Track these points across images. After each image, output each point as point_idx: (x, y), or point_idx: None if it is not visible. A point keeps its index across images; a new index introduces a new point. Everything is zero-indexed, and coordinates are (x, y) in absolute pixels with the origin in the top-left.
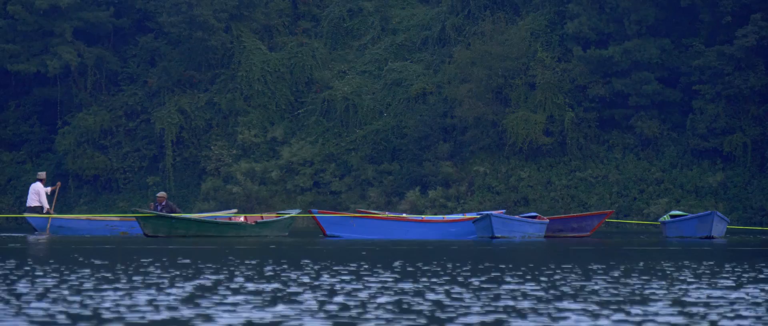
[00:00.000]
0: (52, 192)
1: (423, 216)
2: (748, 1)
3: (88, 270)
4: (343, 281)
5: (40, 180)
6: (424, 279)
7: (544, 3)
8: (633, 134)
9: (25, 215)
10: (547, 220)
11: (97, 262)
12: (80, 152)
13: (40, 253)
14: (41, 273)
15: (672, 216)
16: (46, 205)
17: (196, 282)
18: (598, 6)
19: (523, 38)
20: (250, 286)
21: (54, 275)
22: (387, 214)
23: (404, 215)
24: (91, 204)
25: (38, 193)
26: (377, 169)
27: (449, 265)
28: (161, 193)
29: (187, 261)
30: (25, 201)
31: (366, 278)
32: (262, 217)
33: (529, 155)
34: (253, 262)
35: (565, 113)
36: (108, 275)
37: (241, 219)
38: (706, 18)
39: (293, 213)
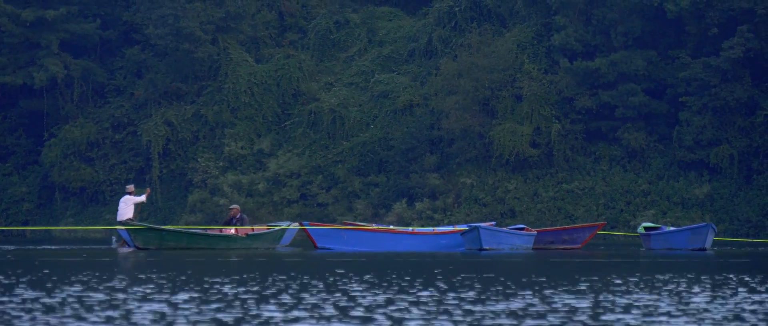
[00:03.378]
0: (145, 199)
1: (412, 228)
2: (734, 13)
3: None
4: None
5: (130, 193)
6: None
7: (530, 15)
8: (619, 146)
9: (117, 227)
10: (535, 232)
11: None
12: (66, 164)
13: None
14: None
15: (646, 229)
16: (130, 214)
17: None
18: (585, 18)
19: (510, 50)
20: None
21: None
22: (375, 226)
23: (391, 227)
24: (77, 216)
25: (128, 204)
26: (364, 181)
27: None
28: (234, 206)
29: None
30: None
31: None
32: (253, 229)
33: (515, 167)
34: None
35: (551, 125)
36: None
37: (232, 231)
38: (692, 30)
39: (284, 225)
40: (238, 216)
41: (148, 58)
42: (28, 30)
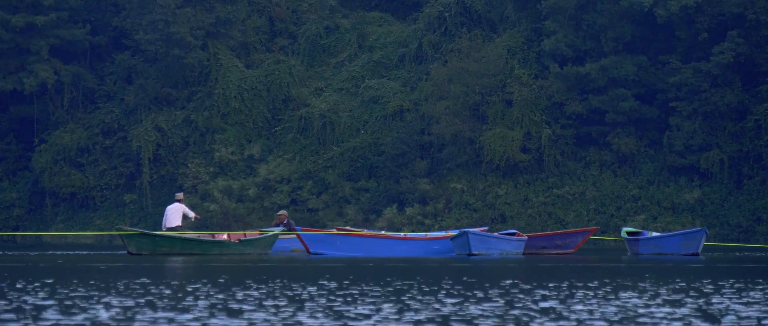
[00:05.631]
0: (192, 218)
1: (405, 233)
2: (724, 18)
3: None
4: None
5: (179, 201)
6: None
7: (520, 20)
8: (610, 151)
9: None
10: (526, 237)
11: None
12: (57, 170)
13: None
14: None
15: (629, 234)
16: (178, 222)
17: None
18: (575, 23)
19: (500, 55)
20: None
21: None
22: (368, 232)
23: (383, 232)
24: (68, 222)
25: (177, 213)
26: (354, 187)
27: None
28: (282, 212)
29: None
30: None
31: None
32: (245, 235)
33: (506, 172)
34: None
35: (542, 130)
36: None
37: (225, 236)
38: (682, 35)
39: (276, 230)
40: (284, 222)
41: (138, 64)
42: (18, 36)
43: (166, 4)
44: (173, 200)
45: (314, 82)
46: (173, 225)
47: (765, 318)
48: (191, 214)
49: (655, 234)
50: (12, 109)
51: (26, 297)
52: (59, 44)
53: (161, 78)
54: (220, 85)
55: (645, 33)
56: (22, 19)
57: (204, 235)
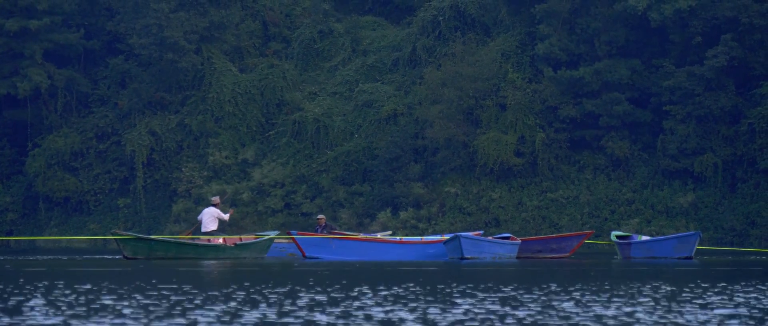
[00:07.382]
0: (228, 219)
1: (400, 237)
2: (718, 22)
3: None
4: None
5: (215, 205)
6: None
7: (514, 24)
8: (604, 155)
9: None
10: (519, 241)
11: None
12: (50, 174)
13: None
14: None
15: (618, 237)
16: (213, 227)
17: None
18: (569, 27)
19: (494, 59)
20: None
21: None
22: (363, 235)
23: (378, 235)
24: (61, 226)
25: (212, 218)
26: (348, 191)
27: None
28: (321, 216)
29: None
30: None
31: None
32: (240, 239)
33: (500, 176)
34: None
35: (535, 134)
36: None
37: (220, 241)
38: (676, 39)
39: (272, 234)
40: (323, 225)
41: (132, 68)
42: (11, 40)
43: (159, 9)
44: (210, 204)
45: (308, 86)
46: (209, 230)
47: (759, 320)
48: (225, 217)
49: (644, 237)
50: (5, 113)
51: None
52: (53, 48)
53: (155, 82)
54: (213, 89)
55: (639, 37)
56: (16, 24)
57: (200, 239)
